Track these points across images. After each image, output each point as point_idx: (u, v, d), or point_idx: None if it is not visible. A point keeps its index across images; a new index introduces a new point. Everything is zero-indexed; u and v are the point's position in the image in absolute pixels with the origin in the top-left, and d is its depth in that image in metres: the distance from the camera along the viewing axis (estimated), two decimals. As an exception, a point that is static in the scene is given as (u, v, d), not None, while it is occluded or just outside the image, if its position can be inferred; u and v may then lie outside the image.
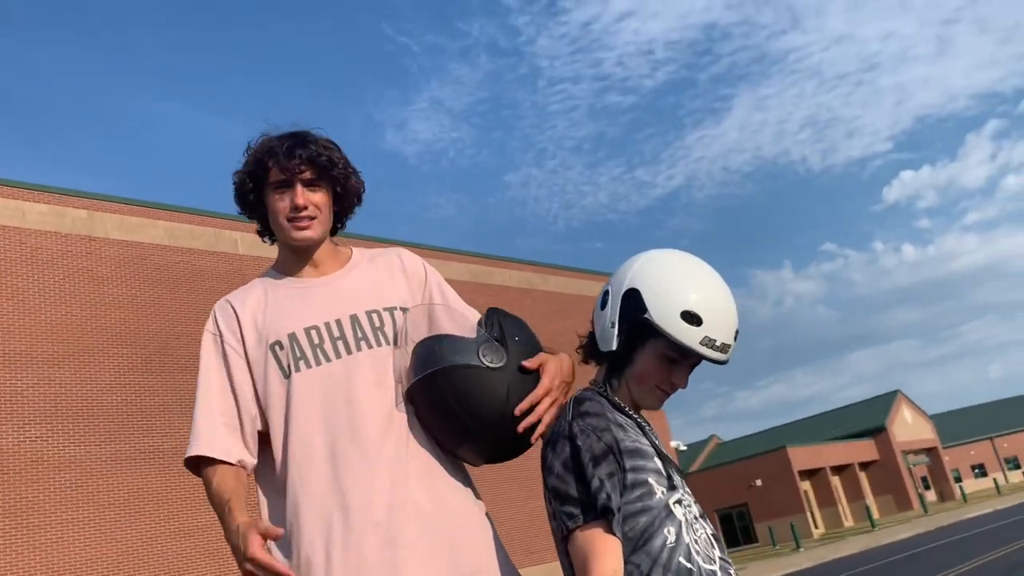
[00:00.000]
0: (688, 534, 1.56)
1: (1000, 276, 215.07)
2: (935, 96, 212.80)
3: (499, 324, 1.87)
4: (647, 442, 1.62)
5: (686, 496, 1.62)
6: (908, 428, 56.38)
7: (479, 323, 1.88)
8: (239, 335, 1.94)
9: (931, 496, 58.96)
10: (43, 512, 16.67)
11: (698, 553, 1.55)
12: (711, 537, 1.62)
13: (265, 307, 1.96)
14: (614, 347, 1.69)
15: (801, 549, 31.07)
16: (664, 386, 1.69)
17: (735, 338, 1.66)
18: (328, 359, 1.85)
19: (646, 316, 1.63)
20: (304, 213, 1.93)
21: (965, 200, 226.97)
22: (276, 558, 1.63)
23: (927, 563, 15.43)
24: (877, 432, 53.31)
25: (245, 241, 22.05)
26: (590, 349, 1.81)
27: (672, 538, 1.53)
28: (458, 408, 1.74)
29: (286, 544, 1.73)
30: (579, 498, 1.51)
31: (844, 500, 49.83)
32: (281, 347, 1.88)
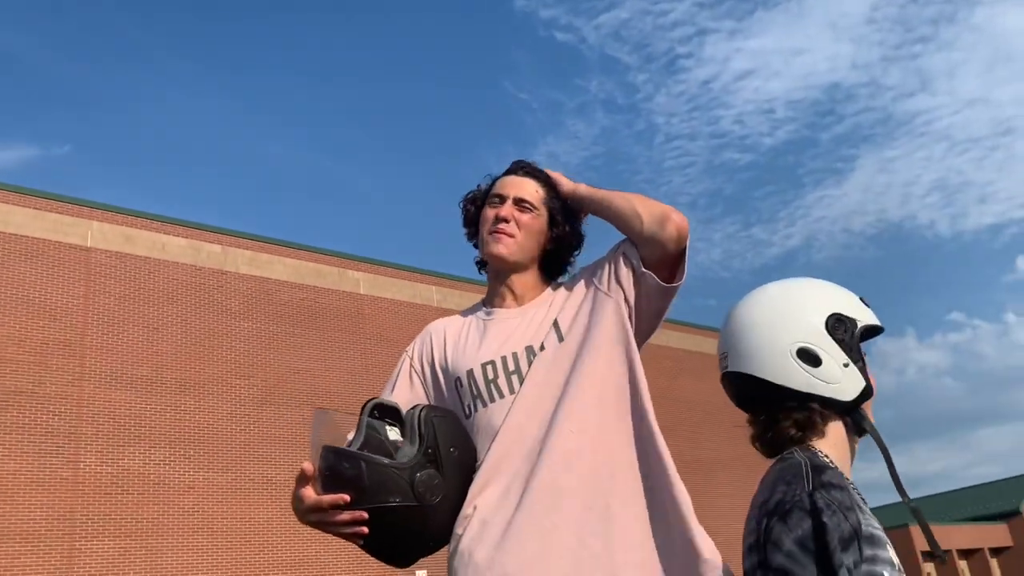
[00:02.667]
0: None
1: None
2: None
3: (433, 433, 1.62)
4: (879, 526, 1.39)
5: None
6: (1046, 514, 52.30)
7: (409, 426, 1.64)
8: (429, 362, 1.90)
9: (1071, 591, 54.27)
10: (162, 535, 17.23)
11: None
12: None
13: (457, 339, 1.87)
14: (862, 387, 1.45)
15: (924, 637, 28.95)
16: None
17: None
18: (502, 396, 1.72)
19: (860, 326, 1.48)
20: (503, 226, 1.86)
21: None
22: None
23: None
24: (1012, 516, 49.65)
25: (367, 281, 22.58)
26: (784, 428, 1.50)
27: None
28: (382, 539, 1.60)
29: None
30: None
31: (972, 587, 46.49)
32: (461, 384, 1.79)
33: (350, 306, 21.95)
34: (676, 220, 1.70)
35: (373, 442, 1.59)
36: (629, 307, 1.82)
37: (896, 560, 1.37)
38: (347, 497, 1.52)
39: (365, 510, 1.53)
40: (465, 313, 1.98)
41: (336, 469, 1.55)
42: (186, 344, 18.91)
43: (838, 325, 1.43)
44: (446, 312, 26.09)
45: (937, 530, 43.95)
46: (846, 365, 1.42)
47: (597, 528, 1.60)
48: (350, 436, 1.63)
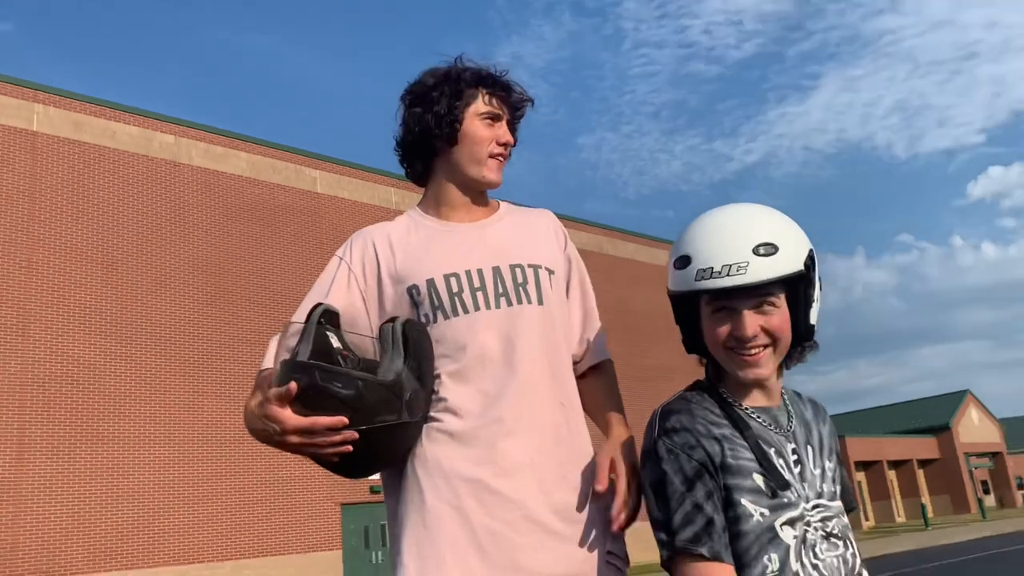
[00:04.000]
0: (800, 559, 1.39)
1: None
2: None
3: (416, 349, 1.61)
4: (749, 456, 1.44)
5: (813, 512, 1.44)
6: (973, 429, 54.84)
7: (391, 339, 1.60)
8: (373, 266, 1.82)
9: (990, 500, 57.42)
10: (112, 426, 17.29)
11: None
12: (843, 558, 1.44)
13: (406, 246, 1.83)
14: (683, 337, 1.58)
15: (850, 540, 30.65)
16: (730, 344, 1.47)
17: (753, 252, 1.41)
18: (466, 311, 1.73)
19: (669, 291, 1.53)
20: (506, 151, 1.85)
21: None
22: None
23: (984, 571, 15.00)
24: (941, 431, 52.04)
25: (325, 180, 22.24)
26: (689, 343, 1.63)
27: (774, 566, 1.37)
28: (370, 449, 1.56)
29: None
30: (664, 524, 1.38)
31: (899, 496, 48.94)
32: (418, 292, 1.76)
33: (307, 204, 21.67)
34: None
35: (322, 350, 1.54)
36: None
37: (764, 486, 1.42)
38: (347, 420, 1.47)
39: (358, 430, 1.49)
40: (404, 220, 1.92)
41: (326, 389, 1.47)
42: (138, 236, 18.58)
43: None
44: (402, 213, 26.56)
45: (871, 442, 45.90)
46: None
47: (561, 418, 1.74)
48: (293, 342, 1.55)
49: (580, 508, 1.65)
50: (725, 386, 1.54)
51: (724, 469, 1.40)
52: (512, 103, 1.86)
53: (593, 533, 1.65)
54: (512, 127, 1.87)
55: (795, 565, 1.38)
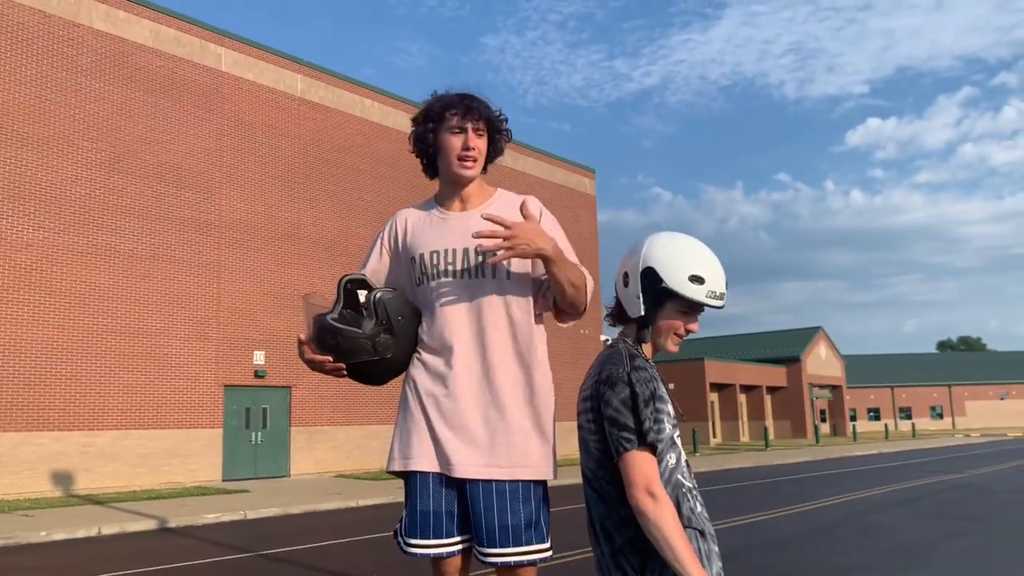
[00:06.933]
0: (681, 459, 2.22)
1: (936, 239, 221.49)
2: (921, 49, 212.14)
3: (384, 311, 2.48)
4: (664, 390, 2.24)
5: (678, 430, 2.28)
6: (820, 363, 59.30)
7: (371, 305, 2.49)
8: (395, 242, 2.70)
9: (825, 428, 62.70)
10: (-4, 288, 16.96)
11: (685, 474, 2.22)
12: (687, 462, 2.30)
13: (414, 228, 2.65)
14: (642, 313, 2.28)
15: (697, 453, 33.27)
16: (681, 333, 2.30)
17: (726, 287, 2.27)
18: (439, 279, 2.53)
19: (663, 285, 2.23)
20: (471, 154, 2.54)
21: (921, 159, 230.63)
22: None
23: (807, 487, 17.01)
24: (791, 361, 56.03)
25: (230, 58, 21.72)
26: (619, 316, 2.37)
27: (673, 461, 2.17)
28: (356, 374, 2.57)
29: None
30: (635, 429, 2.10)
31: (746, 417, 52.79)
32: (415, 263, 2.59)
33: (209, 81, 21.18)
34: (575, 319, 2.60)
35: (351, 306, 2.51)
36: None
37: (672, 412, 2.25)
38: (330, 358, 2.45)
39: (345, 364, 2.47)
40: (423, 206, 2.70)
41: (323, 339, 2.46)
42: (28, 96, 17.87)
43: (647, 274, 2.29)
44: (307, 103, 25.41)
45: (726, 366, 49.08)
46: (638, 297, 2.29)
47: (502, 362, 2.54)
48: (328, 303, 2.56)
49: (503, 429, 2.46)
50: (639, 347, 2.34)
51: (659, 398, 2.17)
52: (472, 117, 2.53)
53: (508, 449, 2.44)
54: (481, 133, 2.58)
55: (681, 460, 2.21)
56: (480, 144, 2.57)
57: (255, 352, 21.16)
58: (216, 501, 15.36)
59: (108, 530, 11.79)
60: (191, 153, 20.53)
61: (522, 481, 2.44)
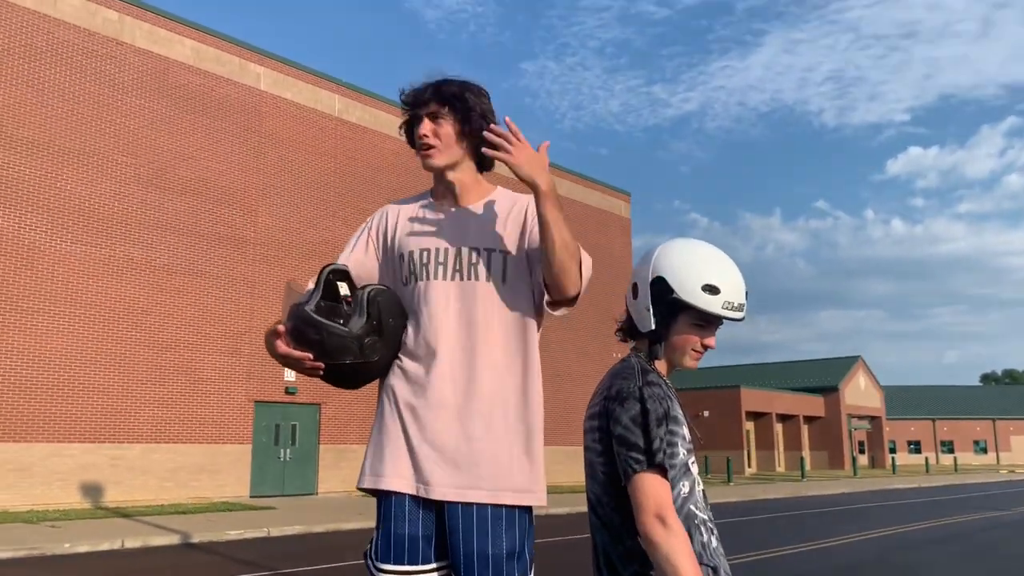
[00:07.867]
0: (696, 488, 2.00)
1: (978, 270, 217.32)
2: (965, 77, 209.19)
3: (378, 310, 2.19)
4: (680, 411, 2.03)
5: (693, 456, 2.06)
6: (859, 393, 58.15)
7: (361, 301, 2.19)
8: (384, 236, 2.41)
9: (863, 460, 61.35)
10: (34, 302, 17.22)
11: (699, 504, 2.00)
12: (703, 492, 2.07)
13: (405, 222, 2.39)
14: (653, 326, 2.07)
15: (731, 483, 32.65)
16: (698, 348, 2.08)
17: (746, 297, 2.05)
18: (428, 279, 2.29)
19: (674, 296, 2.02)
20: (425, 142, 2.30)
21: (963, 189, 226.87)
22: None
23: (836, 521, 16.52)
24: (829, 391, 55.00)
25: (268, 77, 21.96)
26: (630, 330, 2.16)
27: (686, 490, 1.96)
28: (340, 379, 2.26)
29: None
30: (645, 448, 1.90)
31: (782, 447, 51.82)
32: (403, 260, 2.34)
33: (248, 100, 21.42)
34: (571, 296, 2.22)
35: (330, 297, 2.18)
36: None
37: (688, 436, 2.03)
38: (311, 356, 2.13)
39: (326, 363, 2.15)
40: (415, 199, 2.46)
41: (305, 333, 2.12)
42: (71, 111, 18.19)
43: (657, 283, 2.07)
44: (344, 123, 25.57)
45: (762, 395, 48.31)
46: (648, 309, 2.08)
47: (487, 373, 2.26)
48: (311, 285, 2.22)
49: (480, 449, 2.19)
50: (652, 364, 2.12)
51: (673, 420, 1.97)
52: (421, 102, 2.31)
53: (493, 470, 2.18)
54: (437, 117, 2.29)
55: (696, 491, 2.00)
56: (437, 129, 2.30)
57: (286, 368, 21.19)
58: (241, 517, 15.32)
59: (131, 544, 11.77)
60: (228, 170, 20.74)
61: (506, 506, 2.18)
